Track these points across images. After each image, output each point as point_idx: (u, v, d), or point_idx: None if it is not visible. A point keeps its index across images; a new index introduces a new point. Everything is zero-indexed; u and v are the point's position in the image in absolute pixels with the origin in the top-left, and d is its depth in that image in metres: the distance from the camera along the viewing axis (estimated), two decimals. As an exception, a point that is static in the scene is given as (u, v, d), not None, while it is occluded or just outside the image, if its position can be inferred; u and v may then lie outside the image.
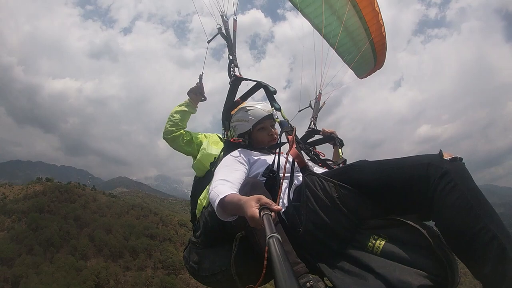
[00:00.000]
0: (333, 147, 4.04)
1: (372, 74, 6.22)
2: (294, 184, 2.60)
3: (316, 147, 3.88)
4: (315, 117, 4.75)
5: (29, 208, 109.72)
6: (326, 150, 3.77)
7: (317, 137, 4.22)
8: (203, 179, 3.55)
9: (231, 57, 3.64)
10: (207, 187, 3.26)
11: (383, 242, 1.97)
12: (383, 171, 2.09)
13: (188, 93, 3.90)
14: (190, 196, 3.69)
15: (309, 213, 2.25)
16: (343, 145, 3.97)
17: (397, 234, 1.97)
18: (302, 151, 2.89)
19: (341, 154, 3.85)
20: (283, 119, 3.03)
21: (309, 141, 4.13)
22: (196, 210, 3.34)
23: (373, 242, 2.00)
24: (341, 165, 3.24)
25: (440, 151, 1.97)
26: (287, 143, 2.85)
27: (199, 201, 3.32)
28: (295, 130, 2.83)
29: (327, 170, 2.87)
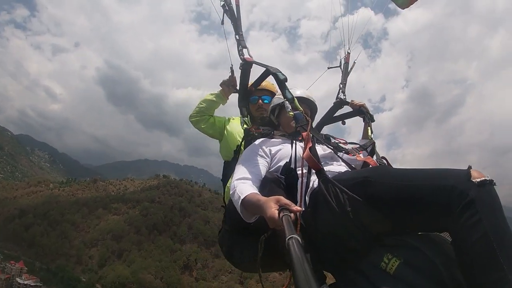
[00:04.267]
0: (363, 122, 3.80)
1: (415, 3, 5.44)
2: (310, 187, 2.47)
3: (344, 120, 3.92)
4: (343, 83, 4.40)
5: (143, 198, 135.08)
6: (355, 122, 3.98)
7: (346, 108, 4.02)
8: (230, 164, 3.62)
9: (237, 37, 3.45)
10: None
11: (397, 263, 1.89)
12: (401, 188, 1.95)
13: (221, 85, 3.96)
14: (221, 180, 3.82)
15: (324, 221, 2.23)
16: (374, 120, 3.76)
17: (411, 257, 1.89)
18: (320, 145, 2.89)
19: (370, 133, 3.60)
20: (297, 111, 2.79)
21: (337, 114, 4.01)
22: (225, 197, 3.53)
23: (387, 261, 1.93)
24: (368, 150, 3.20)
25: (469, 167, 1.80)
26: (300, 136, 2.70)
27: (226, 188, 3.50)
28: (310, 124, 2.69)
29: (346, 169, 2.72)
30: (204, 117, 3.96)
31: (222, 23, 3.66)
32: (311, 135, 2.55)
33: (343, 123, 3.91)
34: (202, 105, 3.96)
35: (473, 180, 1.70)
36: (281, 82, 2.91)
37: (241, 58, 3.32)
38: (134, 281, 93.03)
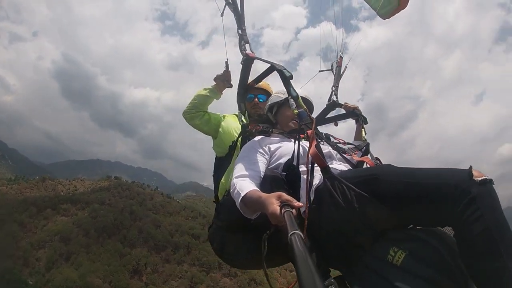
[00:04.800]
0: (356, 124, 3.95)
1: (396, 14, 5.81)
2: (314, 184, 2.52)
3: (338, 122, 3.97)
4: (336, 86, 4.58)
5: (93, 199, 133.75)
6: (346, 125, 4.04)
7: (338, 110, 4.15)
8: (224, 159, 3.68)
9: (240, 31, 3.38)
10: (228, 168, 3.52)
11: (403, 255, 1.99)
12: (408, 186, 2.06)
13: (215, 79, 3.92)
14: (212, 176, 3.80)
15: (329, 218, 2.29)
16: (367, 123, 3.87)
17: (417, 249, 1.99)
18: (323, 144, 2.93)
19: (364, 134, 3.76)
20: (301, 109, 2.89)
21: (329, 116, 4.11)
22: (218, 193, 3.52)
23: (393, 254, 2.02)
24: (363, 150, 3.30)
25: (470, 167, 1.91)
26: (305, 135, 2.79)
27: (220, 184, 3.52)
28: (315, 123, 2.76)
29: (348, 168, 2.84)
30: (199, 113, 3.91)
31: (222, 15, 3.61)
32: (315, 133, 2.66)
33: (336, 124, 3.98)
34: (195, 101, 3.91)
35: (475, 179, 1.84)
36: (287, 79, 2.92)
37: (243, 53, 3.28)
38: (82, 284, 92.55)
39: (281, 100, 3.31)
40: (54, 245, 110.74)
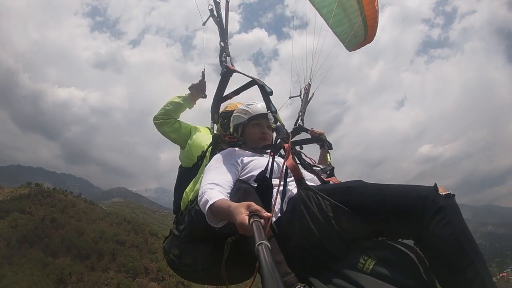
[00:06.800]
0: (320, 149, 4.11)
1: (362, 47, 6.21)
2: (287, 194, 2.61)
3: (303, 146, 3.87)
4: (303, 111, 4.68)
5: (12, 208, 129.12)
6: (312, 149, 4.05)
7: (303, 135, 4.20)
8: (190, 170, 3.60)
9: (222, 44, 3.46)
10: (194, 178, 3.40)
11: (373, 263, 2.11)
12: (381, 197, 2.23)
13: (190, 88, 3.93)
14: (175, 187, 3.75)
15: (303, 228, 2.34)
16: (332, 148, 3.98)
17: (387, 256, 2.14)
18: (296, 158, 2.96)
19: (329, 159, 3.88)
20: (279, 123, 3.00)
21: (294, 139, 4.00)
22: (181, 203, 3.39)
23: (363, 262, 2.14)
24: (328, 173, 3.42)
25: (435, 184, 2.13)
26: (282, 148, 2.85)
27: (184, 194, 3.38)
28: (291, 137, 2.85)
29: (319, 182, 2.93)
30: (170, 120, 3.87)
31: (204, 24, 3.71)
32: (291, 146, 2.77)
33: (301, 148, 3.82)
34: (168, 107, 3.87)
35: (441, 193, 2.07)
36: (267, 95, 3.03)
37: (223, 65, 3.35)
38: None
39: (244, 121, 3.37)
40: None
